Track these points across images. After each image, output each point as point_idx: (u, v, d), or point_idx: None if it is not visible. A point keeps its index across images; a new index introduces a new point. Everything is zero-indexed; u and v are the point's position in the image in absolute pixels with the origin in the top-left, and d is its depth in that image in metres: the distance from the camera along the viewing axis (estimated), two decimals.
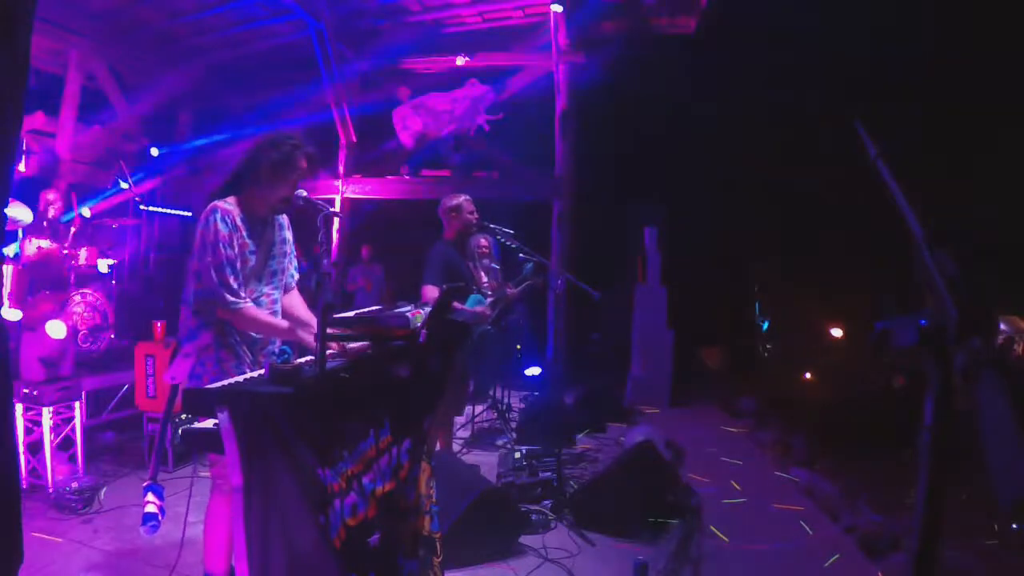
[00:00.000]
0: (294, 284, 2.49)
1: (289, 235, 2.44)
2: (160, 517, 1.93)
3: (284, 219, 2.42)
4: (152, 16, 7.40)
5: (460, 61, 8.03)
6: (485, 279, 3.81)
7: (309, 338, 2.11)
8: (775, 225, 9.44)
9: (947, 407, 0.72)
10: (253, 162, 2.20)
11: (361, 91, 8.70)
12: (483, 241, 4.20)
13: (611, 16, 7.56)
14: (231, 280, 2.10)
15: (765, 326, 9.81)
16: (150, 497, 1.92)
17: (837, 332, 8.88)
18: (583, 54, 7.63)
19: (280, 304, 2.38)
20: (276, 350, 2.26)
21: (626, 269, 8.10)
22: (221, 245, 2.10)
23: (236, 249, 2.15)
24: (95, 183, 7.12)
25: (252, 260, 2.22)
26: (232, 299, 2.09)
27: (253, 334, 2.23)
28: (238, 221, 2.17)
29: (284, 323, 2.24)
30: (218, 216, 2.12)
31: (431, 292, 3.31)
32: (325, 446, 1.60)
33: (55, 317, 4.50)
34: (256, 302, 2.25)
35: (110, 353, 5.14)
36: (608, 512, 3.32)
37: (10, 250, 4.80)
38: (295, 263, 2.51)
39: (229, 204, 2.18)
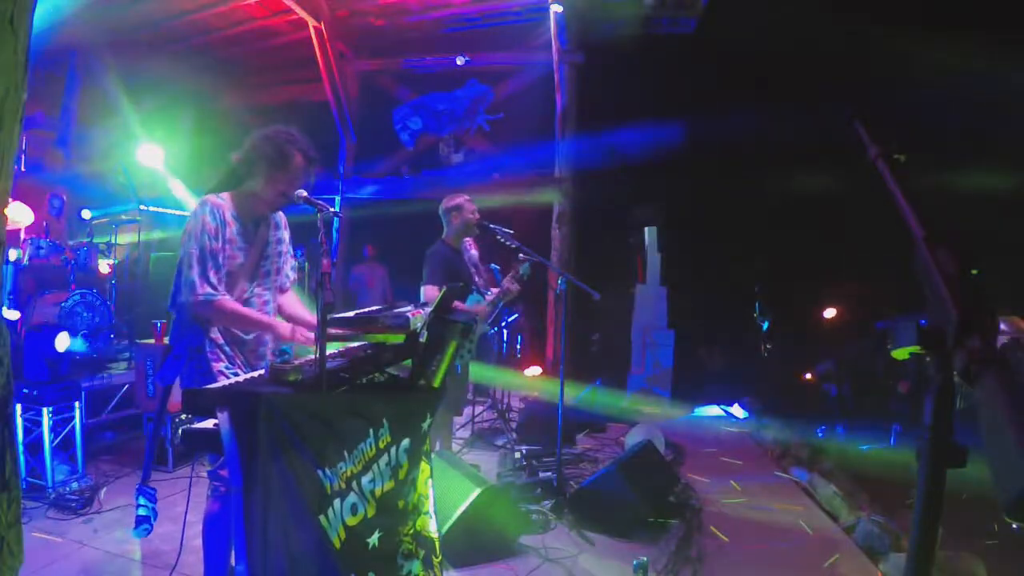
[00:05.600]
0: (289, 285, 2.46)
1: (286, 235, 2.41)
2: (152, 520, 1.92)
3: (282, 219, 2.39)
4: (152, 16, 7.41)
5: (460, 61, 8.04)
6: (479, 279, 3.81)
7: (285, 331, 2.08)
8: (775, 225, 9.44)
9: (947, 407, 0.72)
10: (248, 158, 2.17)
11: (361, 91, 8.71)
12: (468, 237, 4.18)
13: (611, 16, 7.57)
14: (210, 272, 2.06)
15: (765, 326, 9.80)
16: (142, 500, 1.91)
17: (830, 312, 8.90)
18: (583, 54, 7.63)
19: (273, 305, 2.34)
20: (267, 352, 2.24)
21: (626, 269, 8.10)
22: (206, 237, 2.07)
23: (222, 244, 2.11)
24: (95, 183, 7.12)
25: (241, 257, 2.18)
26: (209, 291, 2.05)
27: (242, 335, 2.19)
28: (228, 216, 2.14)
29: (263, 316, 2.20)
30: (207, 209, 2.10)
31: (431, 292, 3.31)
32: (325, 446, 1.60)
33: (55, 317, 4.51)
34: (247, 302, 2.21)
35: (110, 353, 5.14)
36: (608, 512, 3.32)
37: (11, 251, 4.80)
38: (292, 263, 2.48)
39: (221, 199, 2.16)
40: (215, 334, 2.15)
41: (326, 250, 1.83)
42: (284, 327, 2.11)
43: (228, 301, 2.10)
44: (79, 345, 4.48)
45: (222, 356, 2.15)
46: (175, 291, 2.13)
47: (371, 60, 8.50)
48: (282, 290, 2.43)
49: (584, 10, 7.13)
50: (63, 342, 3.63)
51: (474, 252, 4.11)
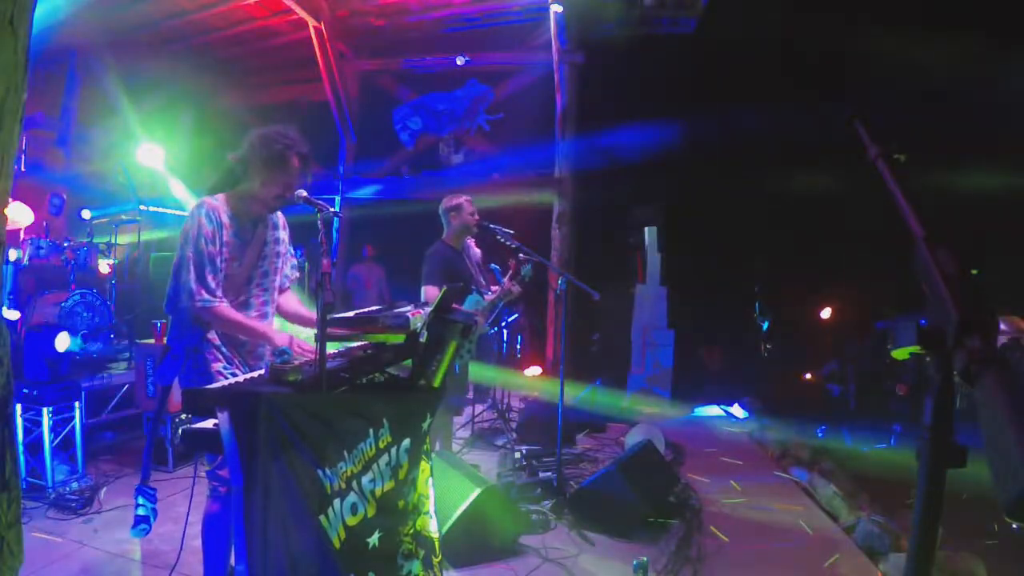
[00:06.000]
0: (288, 285, 2.45)
1: (284, 235, 2.39)
2: (151, 520, 1.91)
3: (280, 219, 2.37)
4: (152, 16, 7.41)
5: (460, 61, 8.04)
6: (481, 279, 3.81)
7: (283, 342, 2.06)
8: (775, 225, 9.44)
9: (947, 407, 0.72)
10: (245, 158, 2.16)
11: (361, 91, 8.71)
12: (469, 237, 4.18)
13: (611, 16, 7.57)
14: (208, 277, 2.06)
15: (765, 326, 9.80)
16: (141, 500, 1.91)
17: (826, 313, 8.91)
18: (583, 54, 7.63)
19: (272, 306, 2.33)
20: (265, 353, 2.24)
21: (626, 269, 8.10)
22: (203, 240, 2.05)
23: (219, 247, 2.10)
24: (95, 183, 7.12)
25: (239, 258, 2.17)
26: (207, 297, 2.04)
27: (240, 336, 2.19)
28: (224, 218, 2.13)
29: (261, 325, 2.19)
30: (203, 212, 2.09)
31: (431, 293, 3.31)
32: (325, 446, 1.60)
33: (55, 317, 4.51)
34: (245, 304, 2.20)
35: (110, 353, 5.13)
36: (608, 512, 3.32)
37: (11, 251, 4.80)
38: (291, 263, 2.47)
39: (217, 201, 2.15)
40: (212, 335, 2.15)
41: (326, 250, 1.83)
42: (281, 338, 2.11)
43: (226, 308, 2.10)
44: (79, 345, 4.48)
45: (220, 356, 2.15)
46: (171, 294, 2.12)
47: (371, 60, 8.49)
48: (281, 290, 2.41)
49: (584, 10, 7.13)
50: (63, 342, 3.63)
51: (477, 252, 4.11)
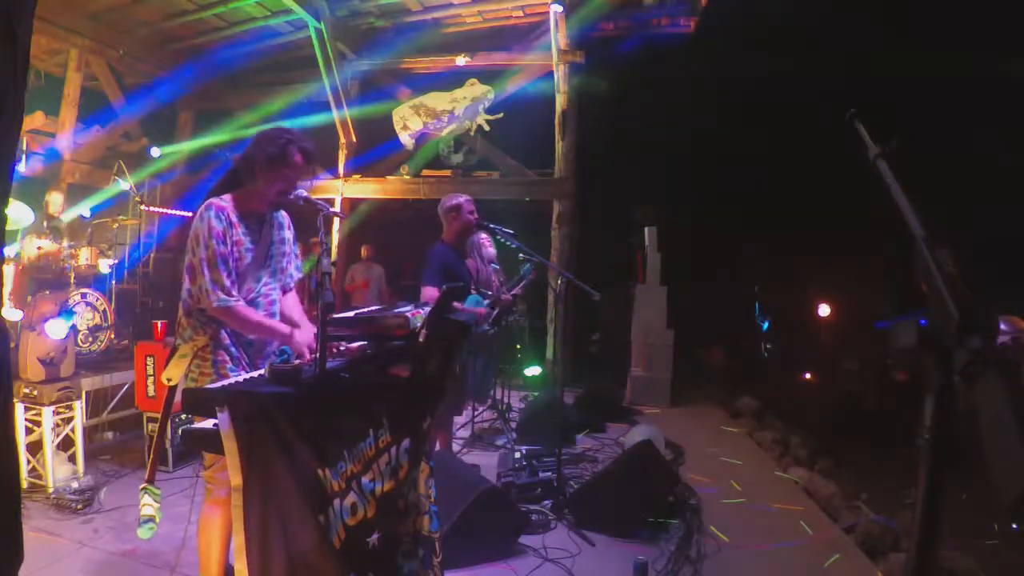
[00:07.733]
0: (292, 285, 2.46)
1: (290, 235, 2.41)
2: (156, 520, 1.91)
3: (285, 218, 2.39)
4: (152, 16, 7.41)
5: (460, 61, 8.04)
6: (494, 277, 3.81)
7: (302, 346, 2.08)
8: (776, 225, 9.45)
9: (947, 407, 0.72)
10: (249, 158, 2.17)
11: (361, 91, 8.71)
12: (483, 235, 4.18)
13: (611, 16, 7.57)
14: (223, 277, 2.07)
15: (765, 326, 9.80)
16: (146, 499, 1.91)
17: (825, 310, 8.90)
18: (583, 54, 7.64)
19: (278, 304, 2.36)
20: (273, 352, 2.24)
21: (626, 269, 8.10)
22: (215, 241, 2.07)
23: (230, 246, 2.12)
24: (95, 183, 7.13)
25: (248, 258, 2.19)
26: (223, 296, 2.06)
27: (249, 336, 2.20)
28: (233, 218, 2.14)
29: (278, 324, 2.21)
30: (212, 212, 2.10)
31: (430, 293, 3.30)
32: (325, 446, 1.60)
33: (55, 317, 4.50)
34: (253, 302, 2.22)
35: (110, 353, 5.13)
36: (608, 512, 3.32)
37: (10, 250, 4.79)
38: (296, 263, 2.49)
39: (224, 201, 2.16)
40: (223, 334, 2.16)
41: (326, 250, 1.83)
42: (299, 343, 2.12)
43: (244, 308, 2.12)
44: (70, 329, 4.48)
45: (228, 356, 2.16)
46: (187, 295, 2.13)
47: (371, 60, 8.50)
48: (285, 289, 2.43)
49: (584, 10, 7.14)
50: (55, 329, 3.61)
51: (491, 251, 4.11)
